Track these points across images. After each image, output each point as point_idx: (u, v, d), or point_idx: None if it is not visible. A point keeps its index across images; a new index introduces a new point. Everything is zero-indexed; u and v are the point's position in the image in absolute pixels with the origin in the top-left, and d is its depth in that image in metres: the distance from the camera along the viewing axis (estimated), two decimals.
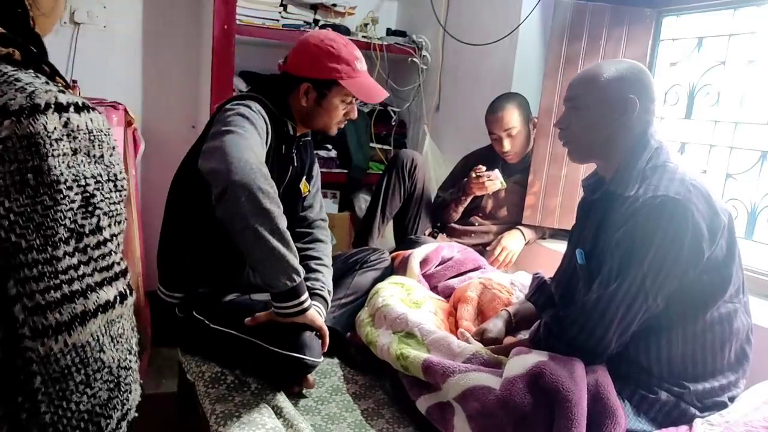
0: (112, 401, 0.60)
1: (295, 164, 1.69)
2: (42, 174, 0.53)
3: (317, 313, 1.47)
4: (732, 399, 1.27)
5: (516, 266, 2.21)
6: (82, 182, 0.56)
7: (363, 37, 2.79)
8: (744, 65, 1.85)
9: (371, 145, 2.95)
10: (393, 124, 3.02)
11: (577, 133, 1.37)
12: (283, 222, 1.34)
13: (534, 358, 1.23)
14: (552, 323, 1.31)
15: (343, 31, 2.68)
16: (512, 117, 2.13)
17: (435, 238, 2.29)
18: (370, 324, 1.63)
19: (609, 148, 1.35)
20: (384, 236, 2.36)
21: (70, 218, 0.55)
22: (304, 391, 1.49)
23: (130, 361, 0.63)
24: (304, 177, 1.76)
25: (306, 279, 1.55)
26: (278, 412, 1.34)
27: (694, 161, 1.97)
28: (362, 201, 2.92)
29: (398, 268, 1.98)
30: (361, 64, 1.62)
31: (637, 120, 1.31)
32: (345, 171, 2.84)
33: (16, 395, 0.57)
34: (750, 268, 1.70)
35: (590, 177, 1.51)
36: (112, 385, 0.60)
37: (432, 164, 2.69)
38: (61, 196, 0.54)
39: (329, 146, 2.85)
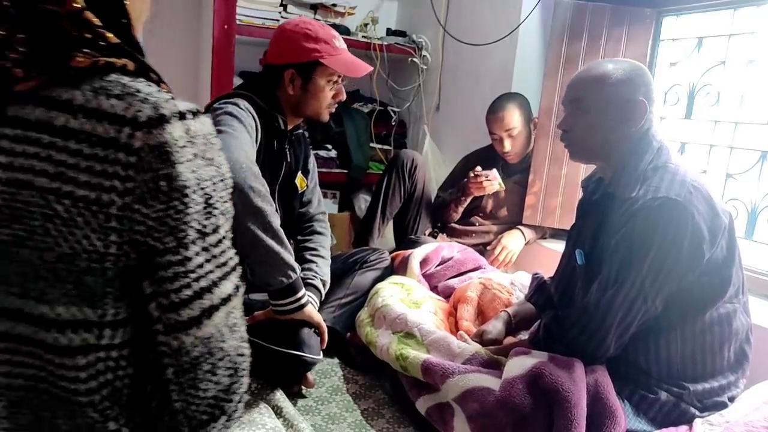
0: (233, 386, 0.65)
1: (289, 160, 1.68)
2: (173, 180, 0.56)
3: (313, 306, 1.47)
4: (732, 399, 1.27)
5: (516, 266, 2.20)
6: (203, 185, 0.59)
7: (363, 37, 2.79)
8: (744, 65, 1.85)
9: (371, 145, 2.95)
10: (393, 124, 3.02)
11: (582, 136, 1.35)
12: (276, 220, 1.34)
13: (533, 358, 1.23)
14: (551, 324, 1.31)
15: (343, 31, 2.68)
16: (513, 117, 2.12)
17: (435, 238, 2.29)
18: (369, 324, 1.63)
19: (612, 150, 1.33)
20: (384, 236, 2.36)
21: (196, 220, 0.59)
22: (304, 390, 1.49)
23: (244, 348, 0.67)
24: (300, 172, 1.76)
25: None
26: (278, 412, 1.34)
27: (695, 161, 1.97)
28: (362, 201, 2.92)
29: (398, 268, 1.98)
30: (340, 42, 1.61)
31: (642, 122, 1.30)
32: (345, 171, 2.84)
33: (146, 385, 0.62)
34: (750, 268, 1.70)
35: (590, 177, 1.51)
36: (232, 372, 0.64)
37: (432, 164, 2.69)
38: (189, 199, 0.58)
39: (329, 146, 2.85)
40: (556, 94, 2.13)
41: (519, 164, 2.24)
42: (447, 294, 1.88)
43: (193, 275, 0.59)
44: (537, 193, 2.19)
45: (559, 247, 2.12)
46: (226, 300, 0.63)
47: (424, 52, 2.87)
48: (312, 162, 1.86)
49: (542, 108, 2.19)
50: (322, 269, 1.69)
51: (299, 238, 1.77)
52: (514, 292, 1.80)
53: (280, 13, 2.59)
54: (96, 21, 0.57)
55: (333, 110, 1.68)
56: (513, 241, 2.19)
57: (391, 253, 2.08)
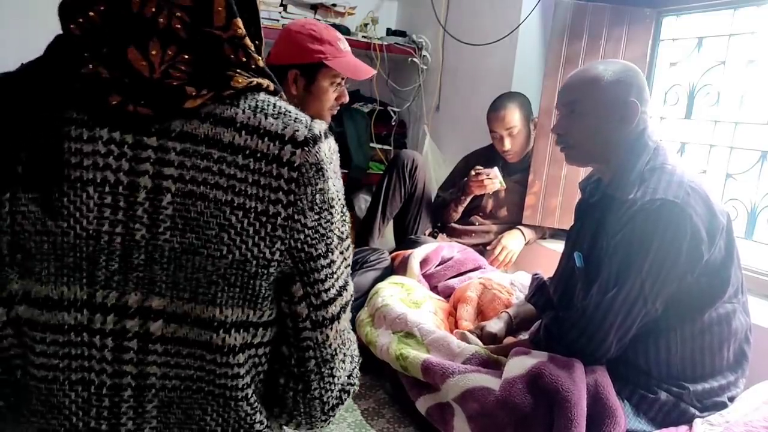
0: (354, 371, 0.74)
1: None
2: (325, 193, 0.63)
3: None
4: (732, 399, 1.27)
5: (516, 266, 2.21)
6: (340, 195, 0.66)
7: (363, 37, 2.79)
8: (744, 65, 1.85)
9: (371, 145, 2.95)
10: (393, 124, 3.02)
11: (578, 139, 1.35)
12: None
13: (533, 358, 1.23)
14: (552, 325, 1.31)
15: (344, 31, 2.67)
16: (514, 115, 2.13)
17: (435, 237, 2.29)
18: (369, 324, 1.63)
19: (609, 152, 1.33)
20: (384, 236, 2.36)
21: (338, 227, 0.66)
22: None
23: (354, 336, 0.75)
24: None
25: None
26: None
27: (694, 161, 1.97)
28: (362, 201, 2.92)
29: (398, 268, 1.98)
30: (344, 45, 1.62)
31: (636, 123, 1.30)
32: (345, 171, 2.84)
33: (278, 378, 0.69)
34: (750, 268, 1.70)
35: (588, 179, 1.50)
36: (351, 358, 0.73)
37: (432, 164, 2.69)
38: (335, 210, 0.65)
39: None
40: (556, 94, 2.13)
41: (519, 164, 2.24)
42: (447, 294, 1.88)
43: (336, 276, 0.66)
44: (537, 193, 2.19)
45: (559, 247, 2.12)
46: (352, 295, 0.71)
47: (424, 52, 2.87)
48: None
49: (542, 108, 2.19)
50: None
51: None
52: (514, 292, 1.80)
53: (280, 13, 2.59)
54: (251, 46, 0.63)
55: (335, 112, 1.68)
56: (513, 241, 2.19)
57: (391, 253, 2.08)
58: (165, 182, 0.58)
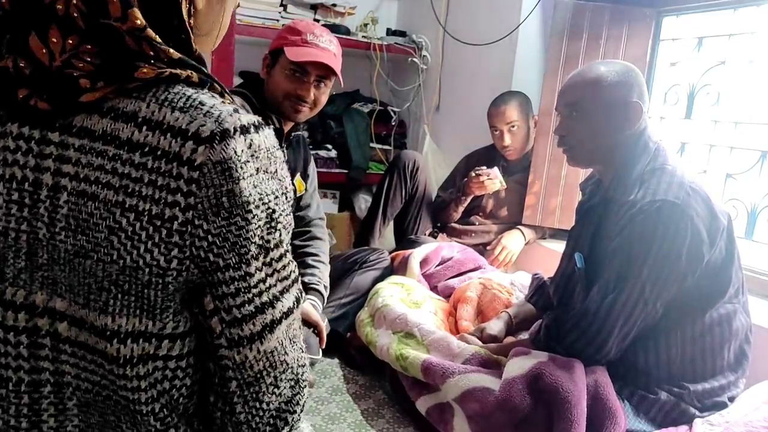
0: (295, 397, 0.66)
1: (286, 159, 1.69)
2: (235, 196, 0.56)
3: (312, 307, 1.48)
4: (732, 399, 1.27)
5: (516, 266, 2.21)
6: (266, 199, 0.59)
7: (363, 37, 2.79)
8: (744, 65, 1.84)
9: (371, 145, 2.95)
10: (393, 124, 3.02)
11: (580, 140, 1.34)
12: None
13: (533, 359, 1.23)
14: (552, 326, 1.31)
15: (343, 31, 2.68)
16: (514, 112, 2.13)
17: (435, 237, 2.29)
18: (370, 324, 1.63)
19: (611, 153, 1.33)
20: (384, 236, 2.36)
21: (258, 235, 0.59)
22: None
23: (304, 359, 0.67)
24: (299, 174, 1.75)
25: (302, 275, 1.55)
26: None
27: (694, 161, 1.97)
28: (362, 201, 2.92)
29: (398, 268, 1.98)
30: (316, 39, 1.57)
31: (638, 123, 1.30)
32: (345, 171, 2.84)
33: (208, 395, 0.63)
34: (750, 268, 1.69)
35: (588, 180, 1.50)
36: (293, 383, 0.65)
37: (432, 164, 2.69)
38: (252, 215, 0.57)
39: (329, 146, 2.85)
40: (556, 94, 2.13)
41: (519, 163, 2.25)
42: (447, 294, 1.88)
43: (255, 290, 0.60)
44: (537, 193, 2.19)
45: (559, 247, 2.12)
46: (287, 313, 0.63)
47: (424, 52, 2.87)
48: (312, 167, 1.86)
49: (542, 108, 2.19)
50: (324, 275, 1.70)
51: (298, 243, 1.77)
52: (514, 292, 1.80)
53: (279, 13, 2.59)
54: (157, 38, 0.58)
55: (300, 109, 1.60)
56: (513, 241, 2.19)
57: (390, 253, 2.08)
58: (62, 180, 0.56)
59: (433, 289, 1.93)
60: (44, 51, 0.55)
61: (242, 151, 0.56)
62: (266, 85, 1.63)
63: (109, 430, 0.62)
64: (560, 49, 2.13)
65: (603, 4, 2.08)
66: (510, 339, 1.54)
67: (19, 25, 0.56)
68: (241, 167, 0.56)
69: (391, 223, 2.36)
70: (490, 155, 2.29)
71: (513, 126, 2.14)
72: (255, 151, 0.58)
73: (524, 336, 1.52)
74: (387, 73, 2.89)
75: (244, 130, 0.57)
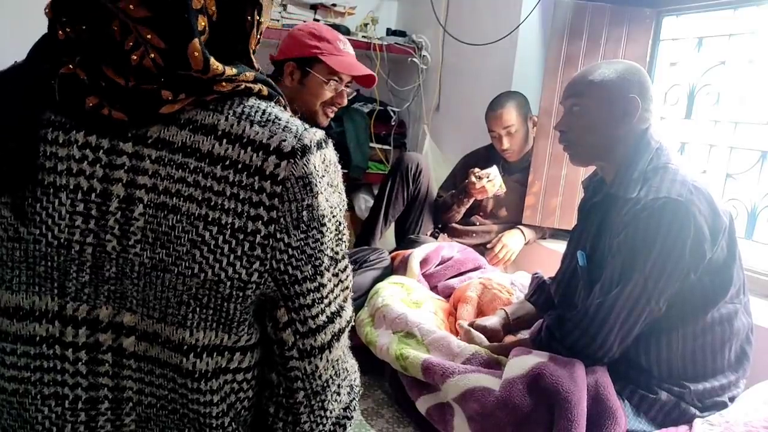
0: (351, 403, 0.67)
1: None
2: (313, 210, 0.57)
3: None
4: (732, 399, 1.27)
5: (516, 266, 2.20)
6: (335, 212, 0.60)
7: (363, 37, 2.79)
8: (744, 65, 1.84)
9: (371, 145, 2.95)
10: (393, 124, 3.02)
11: (579, 136, 1.35)
12: None
13: (534, 358, 1.23)
14: (554, 325, 1.31)
15: (343, 31, 2.67)
16: (511, 115, 2.13)
17: (436, 238, 2.29)
18: (369, 324, 1.63)
19: (611, 151, 1.33)
20: (384, 236, 2.36)
21: (330, 247, 0.60)
22: None
23: (356, 366, 0.69)
24: None
25: None
26: None
27: (694, 161, 1.97)
28: (362, 201, 2.92)
29: (398, 267, 1.98)
30: (345, 46, 1.63)
31: (638, 121, 1.31)
32: (345, 171, 2.82)
33: (268, 407, 0.63)
34: (750, 268, 1.69)
35: (591, 178, 1.50)
36: (349, 389, 0.67)
37: (432, 164, 2.69)
38: (326, 228, 0.59)
39: None
40: (556, 94, 2.13)
41: (519, 163, 2.24)
42: (447, 294, 1.88)
43: (326, 301, 0.61)
44: (537, 193, 2.19)
45: (559, 247, 2.12)
46: (349, 322, 0.64)
47: (424, 52, 2.87)
48: None
49: (542, 108, 2.19)
50: None
51: None
52: (514, 292, 1.80)
53: (280, 13, 2.59)
54: (233, 71, 0.57)
55: (331, 114, 1.67)
56: (513, 240, 2.19)
57: (391, 252, 2.08)
58: (138, 192, 0.55)
59: (433, 288, 1.93)
60: (119, 78, 0.54)
61: (319, 165, 0.57)
62: (294, 93, 1.62)
63: None
64: (560, 49, 2.13)
65: (603, 4, 2.08)
66: (510, 338, 1.54)
67: (93, 53, 0.54)
68: (319, 182, 0.57)
69: (392, 224, 2.35)
70: (489, 155, 2.29)
71: (511, 129, 2.14)
72: (327, 166, 0.59)
73: (524, 335, 1.52)
74: (387, 73, 2.89)
75: (319, 145, 0.58)
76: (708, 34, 1.97)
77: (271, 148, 0.55)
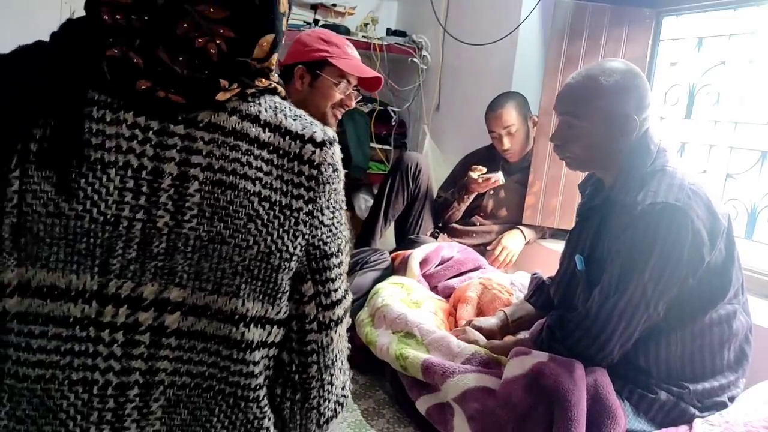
0: (347, 383, 0.73)
1: None
2: (339, 194, 0.66)
3: None
4: (732, 399, 1.27)
5: (516, 266, 2.20)
6: (343, 201, 0.68)
7: (363, 37, 2.79)
8: (744, 65, 1.85)
9: (371, 144, 2.95)
10: (393, 124, 3.02)
11: (575, 152, 1.33)
12: None
13: (534, 358, 1.23)
14: (555, 326, 1.31)
15: (343, 31, 2.68)
16: (511, 115, 2.13)
17: (436, 238, 2.29)
18: (369, 324, 1.63)
19: (608, 161, 1.32)
20: (384, 237, 2.36)
21: (345, 229, 0.67)
22: None
23: (349, 345, 0.74)
24: None
25: None
26: None
27: (694, 161, 1.97)
28: (362, 201, 2.92)
29: (398, 268, 1.98)
30: (352, 50, 1.67)
31: (636, 131, 1.29)
32: (345, 171, 2.83)
33: (274, 388, 0.67)
34: (750, 268, 1.69)
35: (587, 181, 1.50)
36: (346, 367, 0.72)
37: (432, 164, 2.69)
38: (343, 212, 0.67)
39: None
40: (555, 94, 2.13)
41: (519, 163, 2.24)
42: (447, 294, 1.88)
43: (343, 277, 0.68)
44: (537, 193, 2.19)
45: (559, 247, 2.12)
46: (351, 302, 0.71)
47: (424, 52, 2.87)
48: None
49: (542, 108, 2.19)
50: None
51: None
52: (514, 292, 1.80)
53: None
54: (273, 65, 0.64)
55: (339, 116, 1.70)
56: (513, 241, 2.19)
57: (391, 253, 2.08)
58: (192, 170, 0.57)
59: (433, 289, 1.93)
60: (174, 66, 0.57)
61: (339, 157, 0.66)
62: (305, 96, 1.64)
63: (193, 430, 0.62)
64: (560, 49, 2.13)
65: (603, 5, 2.08)
66: (510, 338, 1.54)
67: (147, 37, 0.57)
68: (341, 170, 0.66)
69: (392, 223, 2.35)
70: (489, 155, 2.29)
71: (511, 129, 2.14)
72: (339, 159, 0.67)
73: (524, 336, 1.52)
74: (387, 73, 2.89)
75: (335, 140, 0.66)
76: (708, 34, 1.97)
77: (306, 138, 0.62)
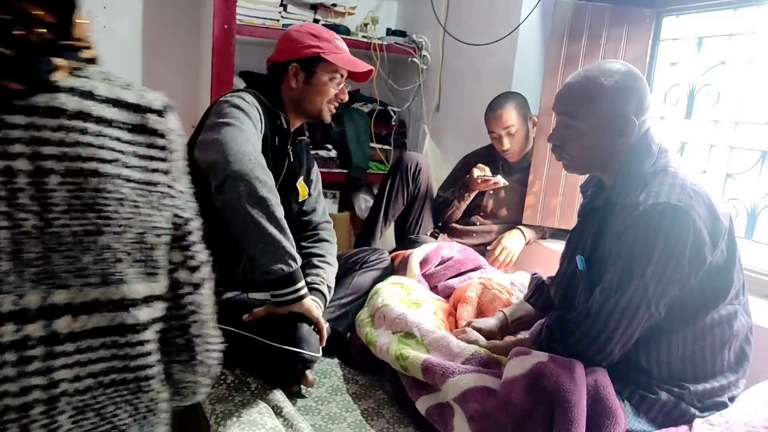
0: (218, 338, 0.74)
1: (292, 160, 1.70)
2: (185, 161, 0.66)
3: (315, 305, 1.48)
4: (732, 399, 1.27)
5: (516, 266, 2.20)
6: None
7: (363, 37, 2.79)
8: (744, 65, 1.85)
9: (371, 144, 2.95)
10: (393, 124, 3.02)
11: (573, 153, 1.33)
12: (279, 210, 1.38)
13: (534, 358, 1.23)
14: (555, 326, 1.31)
15: (343, 31, 2.68)
16: (511, 115, 2.13)
17: (436, 238, 2.29)
18: (369, 324, 1.63)
19: (607, 162, 1.32)
20: (384, 236, 2.36)
21: (190, 191, 0.68)
22: (303, 390, 1.49)
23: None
24: (302, 177, 1.77)
25: (306, 275, 1.57)
26: (278, 412, 1.34)
27: (694, 161, 1.97)
28: (362, 201, 2.92)
29: (398, 268, 1.98)
30: (342, 44, 1.67)
31: (636, 132, 1.29)
32: (345, 171, 2.84)
33: (162, 357, 0.67)
34: (750, 268, 1.69)
35: (588, 182, 1.50)
36: (214, 323, 0.74)
37: (432, 164, 2.69)
38: (188, 176, 0.67)
39: (329, 146, 2.85)
40: (556, 94, 2.13)
41: (519, 163, 2.24)
42: (447, 294, 1.88)
43: (200, 237, 0.69)
44: (537, 193, 2.19)
45: (559, 247, 2.12)
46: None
47: (424, 52, 2.87)
48: (315, 172, 1.88)
49: (542, 108, 2.19)
50: (329, 275, 1.70)
51: (306, 244, 1.79)
52: (514, 292, 1.80)
53: (280, 13, 2.59)
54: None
55: (334, 111, 1.70)
56: (513, 242, 2.19)
57: (390, 253, 2.08)
58: (47, 162, 0.53)
59: (433, 289, 1.93)
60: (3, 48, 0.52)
61: (177, 118, 0.65)
62: (301, 93, 1.64)
63: (103, 428, 0.61)
64: (560, 49, 2.13)
65: (603, 5, 2.08)
66: (510, 339, 1.54)
67: None
68: (182, 133, 0.65)
69: (392, 223, 2.35)
70: (489, 155, 2.29)
71: (511, 130, 2.14)
72: None
73: (524, 336, 1.52)
74: (387, 73, 2.89)
75: (169, 102, 0.65)
76: (708, 34, 1.98)
77: (143, 107, 0.61)
